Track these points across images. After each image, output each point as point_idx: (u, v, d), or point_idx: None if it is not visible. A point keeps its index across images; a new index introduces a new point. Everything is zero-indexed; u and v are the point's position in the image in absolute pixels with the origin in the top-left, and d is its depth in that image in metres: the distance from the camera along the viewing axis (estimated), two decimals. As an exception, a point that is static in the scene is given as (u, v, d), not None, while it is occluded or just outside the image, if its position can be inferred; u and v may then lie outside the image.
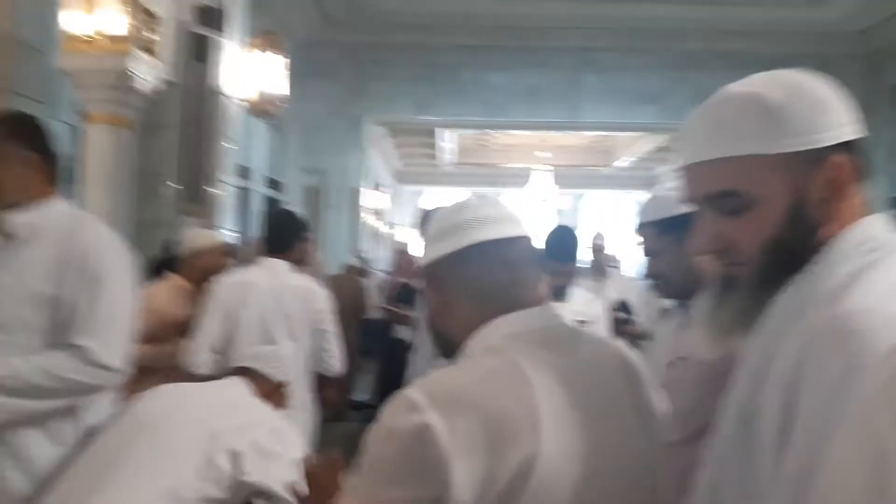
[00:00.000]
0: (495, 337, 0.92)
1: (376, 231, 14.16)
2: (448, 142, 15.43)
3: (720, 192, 0.77)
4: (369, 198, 12.50)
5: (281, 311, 2.65)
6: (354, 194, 11.17)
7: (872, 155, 8.21)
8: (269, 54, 7.11)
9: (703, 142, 0.78)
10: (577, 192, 21.22)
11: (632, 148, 15.99)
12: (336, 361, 2.84)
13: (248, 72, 7.03)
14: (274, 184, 9.99)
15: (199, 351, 2.60)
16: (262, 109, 7.29)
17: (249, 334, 2.62)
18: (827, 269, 0.72)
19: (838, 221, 0.75)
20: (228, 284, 2.67)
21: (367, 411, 5.08)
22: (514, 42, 10.56)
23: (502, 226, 0.97)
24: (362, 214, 11.73)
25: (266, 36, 7.18)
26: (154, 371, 2.66)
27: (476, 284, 0.95)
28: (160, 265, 4.31)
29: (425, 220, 3.41)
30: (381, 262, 12.34)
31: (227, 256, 3.16)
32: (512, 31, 10.43)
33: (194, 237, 3.07)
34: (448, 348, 1.00)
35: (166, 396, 1.76)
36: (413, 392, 0.85)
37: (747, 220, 0.76)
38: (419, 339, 3.36)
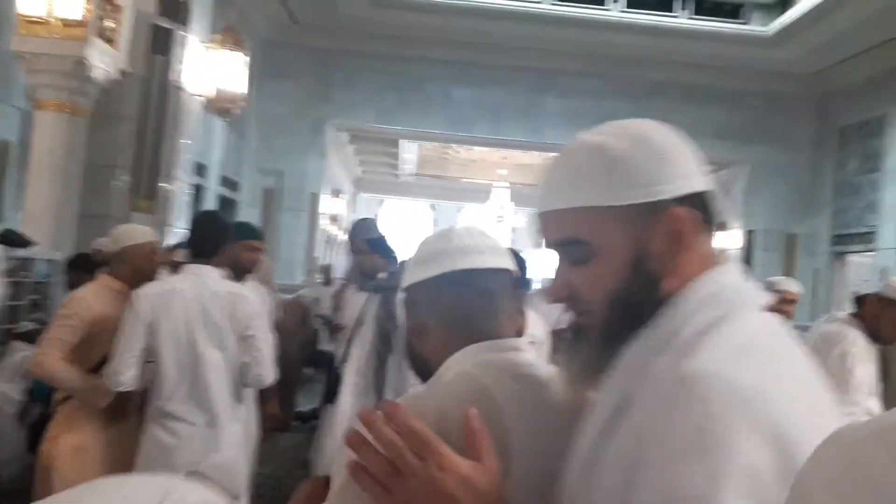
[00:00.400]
0: (467, 363, 0.94)
1: (332, 237, 14.06)
2: (409, 152, 15.44)
3: (566, 239, 0.77)
4: (328, 203, 12.41)
5: (206, 319, 2.52)
6: (313, 199, 11.07)
7: (819, 192, 8.50)
8: (229, 51, 7.00)
9: (551, 191, 0.78)
10: (534, 210, 21.38)
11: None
12: (265, 370, 2.65)
13: (208, 68, 6.92)
14: (230, 183, 9.84)
15: (123, 368, 2.45)
16: (220, 107, 7.18)
17: (174, 345, 2.50)
18: (670, 324, 0.71)
19: (680, 275, 0.74)
20: (149, 294, 2.51)
21: (314, 423, 5.01)
22: (480, 59, 10.66)
23: (484, 256, 1.00)
24: (320, 220, 11.61)
25: (228, 32, 7.08)
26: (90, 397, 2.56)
27: (452, 310, 0.98)
28: (76, 263, 4.11)
29: (356, 229, 3.39)
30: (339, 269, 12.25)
31: (159, 255, 2.95)
32: (478, 48, 10.53)
33: (125, 233, 2.81)
34: (423, 370, 1.03)
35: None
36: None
37: (591, 270, 0.75)
38: (346, 350, 3.29)
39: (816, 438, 0.55)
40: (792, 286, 3.35)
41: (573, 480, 0.73)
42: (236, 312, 2.58)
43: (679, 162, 0.75)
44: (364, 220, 3.62)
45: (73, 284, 4.11)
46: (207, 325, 2.53)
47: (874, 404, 2.60)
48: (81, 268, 4.05)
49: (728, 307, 0.71)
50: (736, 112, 10.87)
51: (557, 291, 0.79)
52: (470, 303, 0.98)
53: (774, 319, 0.74)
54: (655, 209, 0.73)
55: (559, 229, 0.78)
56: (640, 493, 0.63)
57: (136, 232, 2.81)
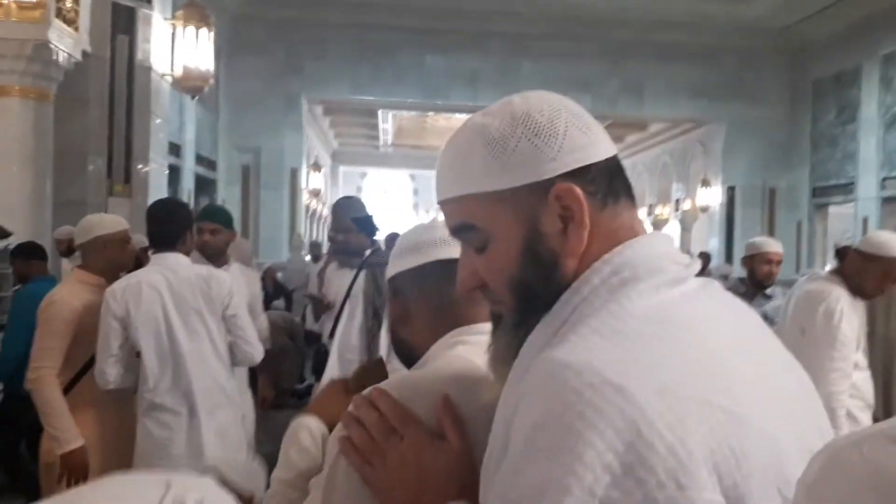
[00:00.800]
0: (453, 346, 0.97)
1: (315, 213, 13.96)
2: (385, 122, 15.30)
3: (461, 226, 0.74)
4: (308, 179, 12.29)
5: (180, 306, 2.48)
6: (293, 175, 10.95)
7: (797, 146, 8.55)
8: (194, 28, 6.82)
9: (442, 178, 0.75)
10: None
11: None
12: (252, 349, 2.65)
13: (173, 46, 6.75)
14: (207, 162, 9.70)
15: (107, 368, 2.43)
16: (189, 85, 7.02)
17: (152, 337, 2.46)
18: (565, 309, 0.68)
19: (579, 256, 0.69)
20: (118, 290, 2.45)
21: (308, 398, 5.01)
22: (451, 25, 10.51)
23: None
24: (301, 195, 11.51)
25: (192, 8, 6.89)
26: (89, 400, 2.51)
27: (433, 297, 1.01)
28: (20, 252, 3.97)
29: (343, 207, 3.35)
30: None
31: (132, 244, 2.83)
32: (450, 14, 10.38)
33: (96, 222, 2.66)
34: (408, 356, 1.05)
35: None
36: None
37: (489, 257, 0.72)
38: (333, 326, 3.28)
39: (683, 433, 0.55)
40: (774, 246, 3.36)
41: (484, 476, 0.71)
42: (211, 294, 2.55)
43: (565, 135, 0.70)
44: (349, 198, 3.58)
45: (20, 274, 4.03)
46: (183, 313, 2.50)
47: (860, 359, 2.64)
48: (25, 256, 3.95)
49: (624, 287, 0.66)
50: (710, 70, 10.85)
51: (465, 281, 0.77)
52: (450, 291, 0.99)
53: (689, 295, 0.68)
54: (542, 189, 0.69)
55: (454, 217, 0.75)
56: (495, 487, 0.62)
57: (107, 220, 2.70)
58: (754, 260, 3.32)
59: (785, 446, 0.60)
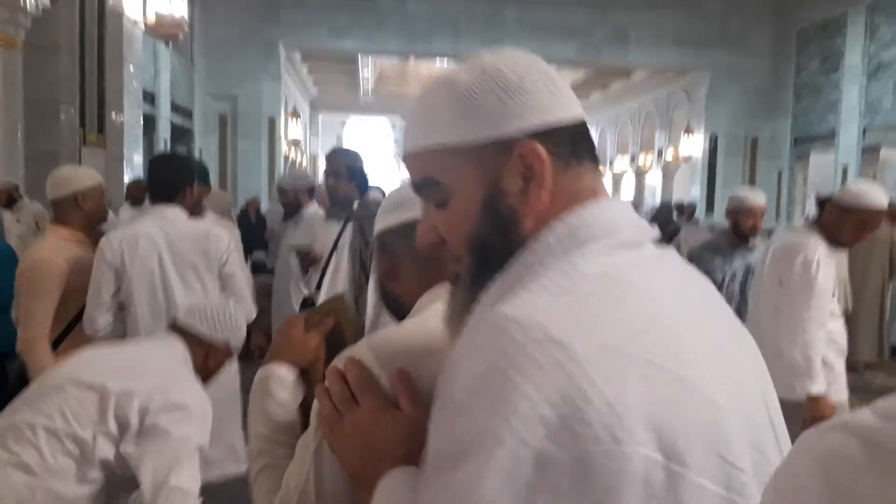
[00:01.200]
0: (439, 299, 0.95)
1: (294, 163, 13.78)
2: (365, 69, 15.01)
3: (422, 180, 0.74)
4: (287, 127, 12.10)
5: (177, 260, 2.47)
6: (271, 124, 10.77)
7: (780, 95, 8.51)
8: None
9: (409, 132, 0.75)
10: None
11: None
12: (247, 305, 2.64)
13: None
14: (183, 111, 9.50)
15: (96, 315, 2.40)
16: (163, 32, 6.82)
17: (146, 289, 2.46)
18: (520, 268, 0.68)
19: (538, 216, 0.69)
20: (115, 239, 2.43)
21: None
22: (434, -31, 10.26)
23: None
24: (280, 145, 11.34)
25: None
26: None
27: (419, 252, 1.01)
28: None
29: (339, 153, 3.30)
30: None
31: (107, 196, 2.76)
32: (432, -43, 10.11)
33: (72, 177, 2.57)
34: (397, 310, 1.05)
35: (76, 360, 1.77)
36: (359, 349, 0.87)
37: (449, 213, 0.72)
38: (320, 278, 3.28)
39: (623, 389, 0.55)
40: (759, 199, 3.36)
41: None
42: (209, 251, 2.54)
43: (534, 94, 0.70)
44: (348, 149, 3.54)
45: None
46: (179, 266, 2.49)
47: (835, 307, 2.69)
48: None
49: (578, 247, 0.66)
50: (695, 18, 10.72)
51: (425, 236, 0.77)
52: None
53: (643, 260, 0.68)
54: (506, 146, 0.69)
55: (416, 170, 0.74)
56: (431, 437, 0.62)
57: (81, 174, 2.62)
58: (738, 214, 3.32)
59: (727, 413, 0.60)
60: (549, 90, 0.71)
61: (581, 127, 0.73)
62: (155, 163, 2.65)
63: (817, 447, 0.44)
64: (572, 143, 0.71)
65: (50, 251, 2.47)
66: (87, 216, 2.54)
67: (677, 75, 12.42)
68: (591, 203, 0.70)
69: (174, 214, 2.51)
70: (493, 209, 0.70)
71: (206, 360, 1.92)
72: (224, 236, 2.61)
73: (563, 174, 0.70)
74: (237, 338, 2.01)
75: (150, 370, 1.73)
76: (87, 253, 2.50)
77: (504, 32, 10.58)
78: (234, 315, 2.01)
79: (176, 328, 1.94)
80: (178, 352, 1.87)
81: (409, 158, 0.75)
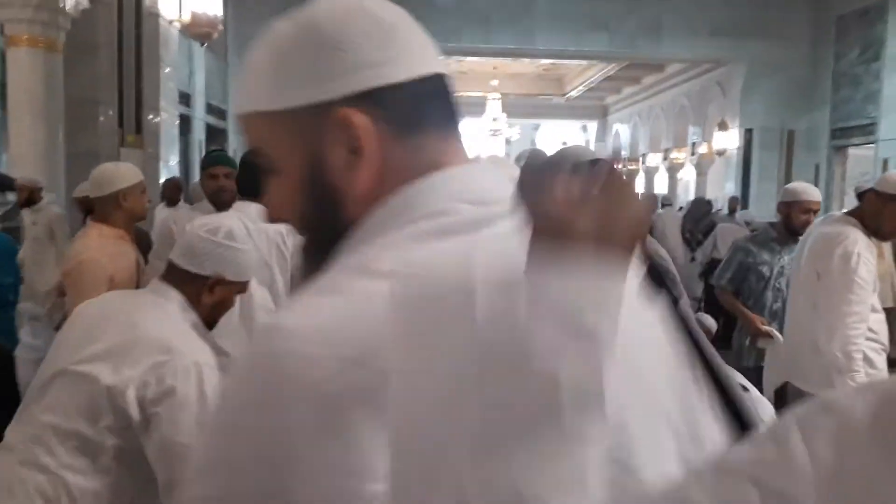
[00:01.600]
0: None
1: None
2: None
3: (252, 149, 0.65)
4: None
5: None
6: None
7: (818, 86, 8.27)
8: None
9: (237, 92, 0.66)
10: (531, 122, 21.13)
11: (581, 77, 15.89)
12: None
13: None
14: (217, 111, 9.63)
15: None
16: (198, 31, 6.92)
17: None
18: (335, 257, 0.59)
19: (364, 195, 0.59)
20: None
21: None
22: (464, -36, 10.23)
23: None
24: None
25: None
26: None
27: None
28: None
29: None
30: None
31: (147, 193, 2.79)
32: (462, -47, 10.09)
33: (114, 175, 2.57)
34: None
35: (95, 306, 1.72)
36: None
37: (277, 186, 0.64)
38: None
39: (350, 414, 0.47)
40: (814, 195, 3.21)
41: None
42: (285, 250, 2.58)
43: (354, 49, 0.58)
44: None
45: None
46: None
47: (875, 301, 2.62)
48: None
49: (378, 236, 0.57)
50: (731, 8, 10.51)
51: (265, 209, 0.68)
52: None
53: (469, 246, 0.53)
54: (325, 113, 0.58)
55: (246, 137, 0.66)
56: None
57: (123, 172, 2.66)
58: (792, 207, 3.17)
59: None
60: (376, 44, 0.59)
61: (428, 86, 0.61)
62: (246, 158, 2.69)
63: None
64: (410, 107, 0.60)
65: (93, 250, 2.50)
66: (128, 213, 2.58)
67: (712, 68, 12.21)
68: (423, 178, 0.59)
69: (257, 211, 2.56)
70: (314, 187, 0.61)
71: (201, 300, 1.70)
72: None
73: (397, 145, 0.59)
74: (231, 268, 1.72)
75: (142, 343, 1.56)
76: (129, 250, 2.55)
77: (535, 26, 10.52)
78: (220, 242, 1.72)
79: (164, 277, 1.73)
80: (173, 304, 1.67)
81: (239, 122, 0.66)
